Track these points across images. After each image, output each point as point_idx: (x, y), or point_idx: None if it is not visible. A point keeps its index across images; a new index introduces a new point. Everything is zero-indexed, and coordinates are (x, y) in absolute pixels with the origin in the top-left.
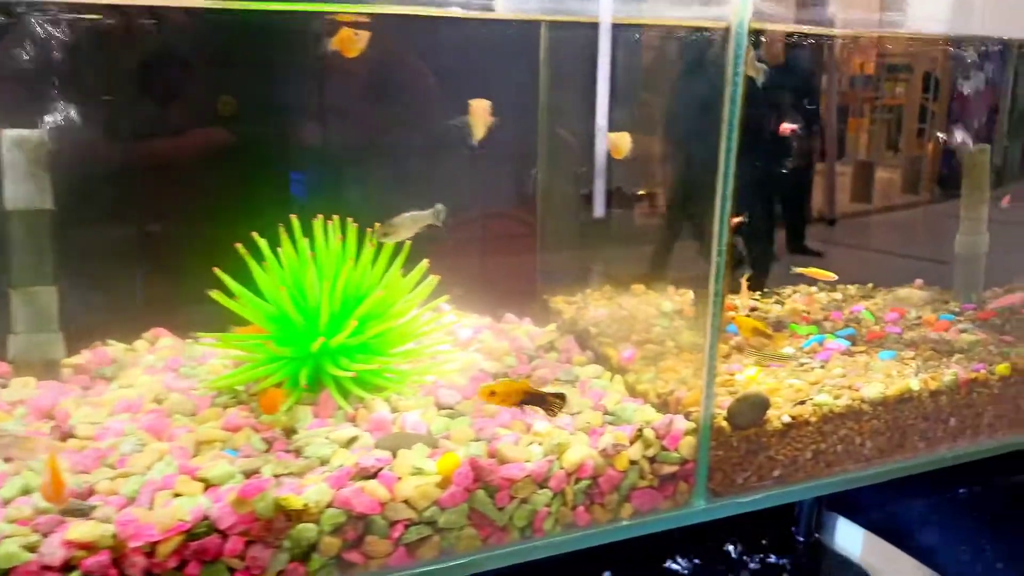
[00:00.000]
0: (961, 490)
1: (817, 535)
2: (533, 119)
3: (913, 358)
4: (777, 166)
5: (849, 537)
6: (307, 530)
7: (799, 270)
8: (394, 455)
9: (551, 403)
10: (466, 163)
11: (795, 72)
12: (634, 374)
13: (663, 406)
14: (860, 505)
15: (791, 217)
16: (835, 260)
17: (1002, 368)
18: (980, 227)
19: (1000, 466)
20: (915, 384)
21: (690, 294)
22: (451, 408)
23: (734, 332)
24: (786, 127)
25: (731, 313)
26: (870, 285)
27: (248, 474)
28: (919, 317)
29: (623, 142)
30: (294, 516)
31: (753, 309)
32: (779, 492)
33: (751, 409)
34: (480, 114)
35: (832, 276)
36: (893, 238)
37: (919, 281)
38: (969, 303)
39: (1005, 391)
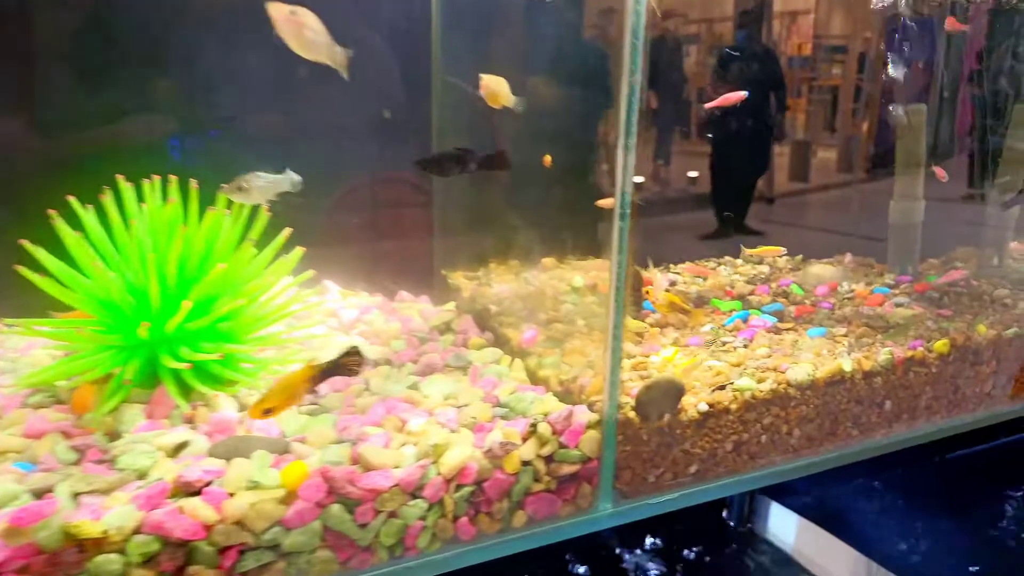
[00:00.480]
0: (899, 470)
1: (750, 524)
2: (427, 75)
3: (845, 335)
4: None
5: (782, 524)
6: (109, 562)
7: (750, 252)
8: (231, 464)
9: (346, 365)
10: (355, 125)
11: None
12: (536, 358)
13: (566, 395)
14: (795, 490)
15: (733, 196)
16: (773, 239)
17: (940, 345)
18: (915, 192)
19: (937, 444)
20: (847, 365)
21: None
22: (315, 404)
23: (650, 309)
24: (731, 97)
25: (646, 288)
26: (799, 257)
27: (39, 494)
28: (852, 290)
29: (500, 88)
30: (90, 546)
31: (672, 283)
32: (696, 490)
33: (663, 397)
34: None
35: (781, 250)
36: (829, 216)
37: (848, 256)
38: (904, 275)
39: (944, 370)
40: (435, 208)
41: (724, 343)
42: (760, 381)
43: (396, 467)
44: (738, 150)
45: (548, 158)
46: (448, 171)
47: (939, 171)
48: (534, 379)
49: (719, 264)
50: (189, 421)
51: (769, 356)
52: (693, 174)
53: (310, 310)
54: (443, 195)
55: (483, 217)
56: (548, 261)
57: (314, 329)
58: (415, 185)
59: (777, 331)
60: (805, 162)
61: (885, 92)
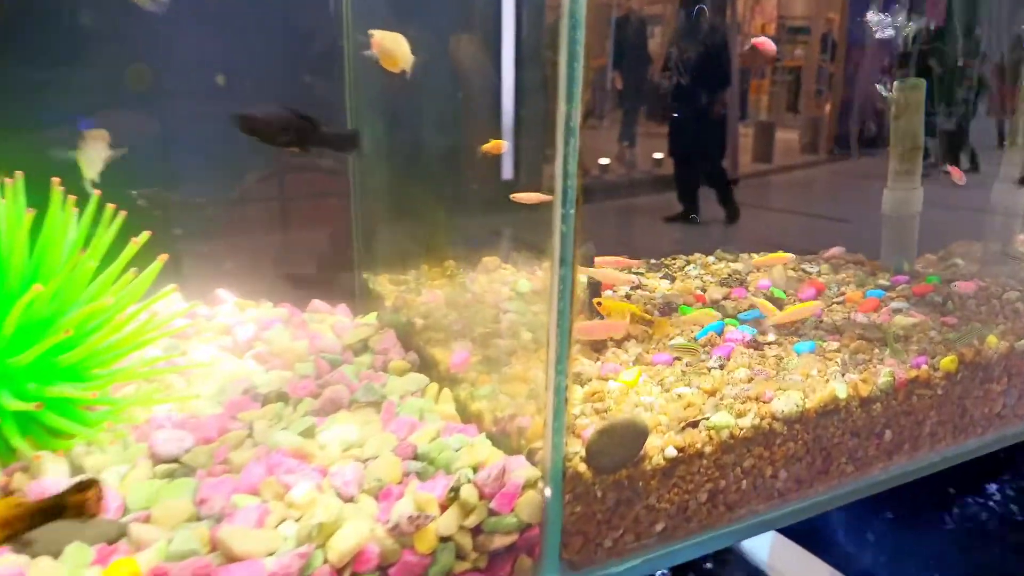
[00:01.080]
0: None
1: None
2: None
3: (838, 351)
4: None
5: (757, 539)
6: None
7: (757, 260)
8: (33, 566)
9: (75, 505)
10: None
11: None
12: (468, 386)
13: (502, 437)
14: None
15: (693, 178)
16: (741, 221)
17: (948, 362)
18: (913, 180)
19: None
20: (842, 391)
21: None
22: (175, 461)
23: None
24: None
25: (607, 294)
26: (780, 254)
27: None
28: (842, 293)
29: (396, 47)
30: None
31: (636, 287)
32: (663, 553)
33: (621, 443)
34: None
35: (788, 257)
36: (795, 198)
37: (837, 249)
38: (901, 274)
39: (951, 391)
40: (354, 199)
41: (694, 362)
42: (740, 415)
43: (269, 555)
44: (690, 131)
45: (498, 144)
46: (272, 138)
47: (955, 171)
48: (465, 414)
49: (688, 262)
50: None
51: (750, 380)
52: (658, 155)
53: (176, 330)
54: (364, 183)
55: (412, 209)
56: (490, 261)
57: (202, 352)
58: (330, 172)
59: (757, 345)
60: (769, 143)
61: (851, 72)
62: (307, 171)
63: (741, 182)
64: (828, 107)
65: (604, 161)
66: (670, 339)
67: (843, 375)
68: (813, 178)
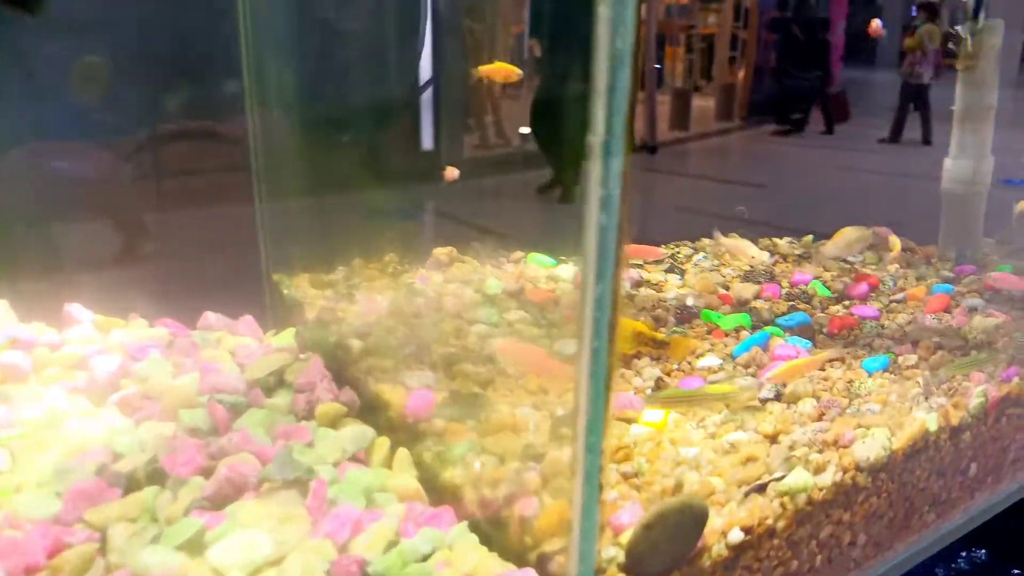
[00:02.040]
0: None
1: None
2: None
3: (915, 366)
4: None
5: None
6: None
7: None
8: None
9: None
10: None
11: None
12: (435, 442)
13: (494, 527)
14: None
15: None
16: (661, 187)
17: None
18: (982, 147)
19: None
20: (933, 421)
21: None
22: None
23: None
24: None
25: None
26: (808, 237)
27: None
28: (901, 289)
29: None
30: None
31: (638, 284)
32: None
33: (674, 536)
34: None
35: (754, 258)
36: (721, 164)
37: (883, 230)
38: (964, 263)
39: None
40: (256, 172)
41: (733, 388)
42: (819, 470)
43: None
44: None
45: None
46: None
47: None
48: (433, 488)
49: (695, 250)
50: None
51: (821, 417)
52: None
53: None
54: (270, 152)
55: (338, 184)
56: (442, 253)
57: (39, 402)
58: (226, 139)
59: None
60: (685, 110)
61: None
62: (192, 139)
63: (660, 150)
64: (741, 74)
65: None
66: (699, 357)
67: (926, 398)
68: (728, 144)
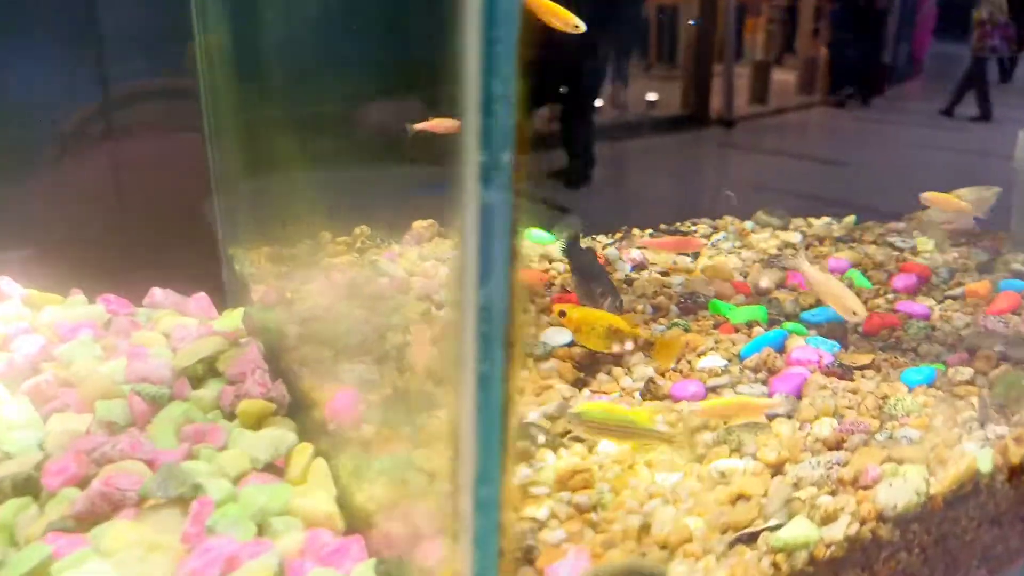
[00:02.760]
0: None
1: None
2: None
3: (971, 381)
4: None
5: None
6: None
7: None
8: None
9: None
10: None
11: None
12: (357, 454)
13: (407, 569)
14: None
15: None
16: (736, 166)
17: None
18: None
19: None
20: (986, 461)
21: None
22: None
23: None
24: None
25: (559, 307)
26: (850, 219)
27: None
28: (958, 283)
29: None
30: None
31: (640, 266)
32: None
33: None
34: None
35: (964, 207)
36: (800, 141)
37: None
38: None
39: None
40: (209, 133)
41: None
42: (827, 519)
43: None
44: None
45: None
46: None
47: None
48: (350, 513)
49: (714, 230)
50: None
51: (841, 444)
52: (652, 97)
53: None
54: (218, 111)
55: (299, 146)
56: (423, 227)
57: None
58: (180, 96)
59: (843, 372)
60: (764, 84)
61: None
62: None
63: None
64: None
65: (652, 97)
66: (701, 356)
67: (982, 426)
68: (809, 120)
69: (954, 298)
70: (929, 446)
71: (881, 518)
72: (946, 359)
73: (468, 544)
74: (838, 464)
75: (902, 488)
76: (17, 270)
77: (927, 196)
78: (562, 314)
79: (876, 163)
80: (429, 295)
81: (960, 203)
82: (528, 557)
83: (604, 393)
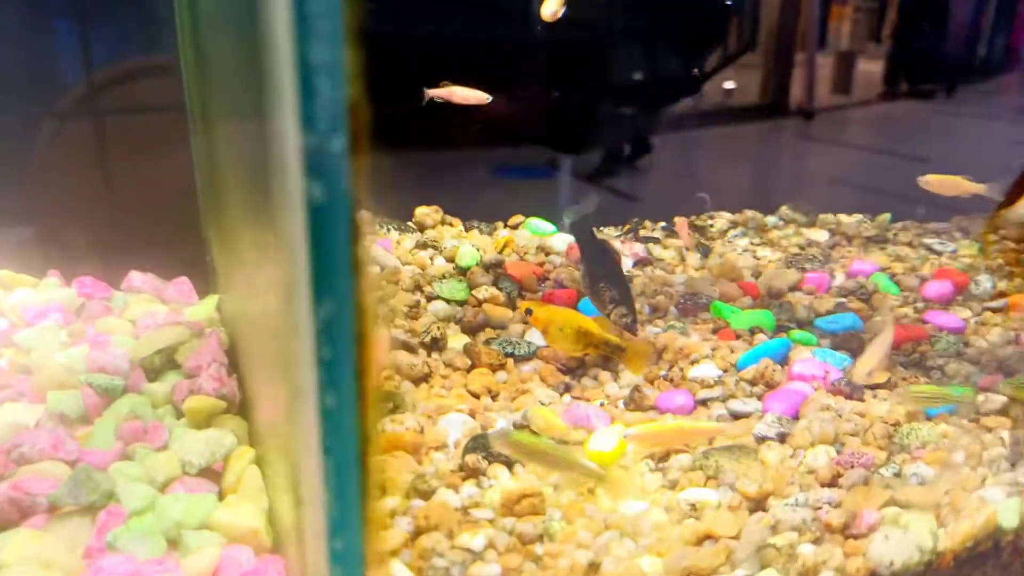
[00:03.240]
0: None
1: None
2: None
3: (1004, 411)
4: None
5: None
6: None
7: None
8: None
9: None
10: None
11: None
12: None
13: None
14: None
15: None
16: (811, 160)
17: None
18: None
19: None
20: (1011, 510)
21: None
22: None
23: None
24: None
25: (527, 306)
26: (884, 216)
27: None
28: (1001, 294)
29: None
30: None
31: (644, 262)
32: None
33: None
34: None
35: (975, 188)
36: (882, 135)
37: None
38: None
39: None
40: (191, 108)
41: (719, 416)
42: (806, 575)
43: None
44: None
45: None
46: None
47: None
48: (277, 523)
49: (733, 224)
50: None
51: (836, 480)
52: (730, 85)
53: None
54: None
55: None
56: (426, 214)
57: None
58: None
59: (850, 391)
60: (848, 74)
61: None
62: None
63: (817, 116)
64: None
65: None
66: (694, 363)
67: (1012, 466)
68: (896, 113)
69: (995, 310)
70: (944, 488)
71: None
72: (977, 382)
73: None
74: (829, 504)
75: (901, 541)
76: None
77: (927, 179)
78: (528, 312)
79: (961, 160)
80: (421, 287)
81: (968, 184)
82: None
83: (587, 400)
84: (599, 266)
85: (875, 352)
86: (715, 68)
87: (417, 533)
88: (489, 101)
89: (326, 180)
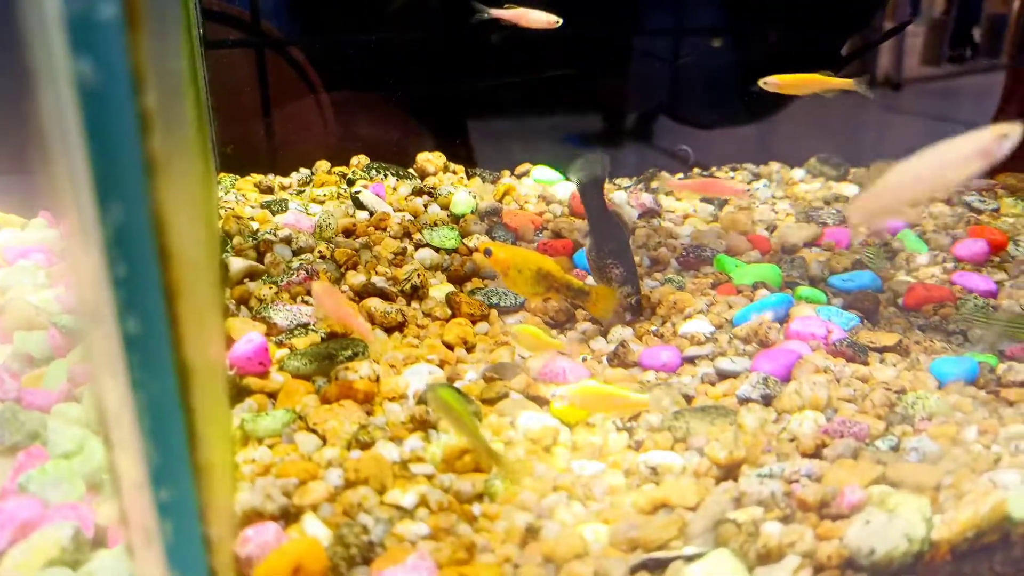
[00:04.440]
0: None
1: None
2: None
3: None
4: None
5: None
6: None
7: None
8: None
9: None
10: None
11: None
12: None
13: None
14: None
15: None
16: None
17: None
18: None
19: None
20: (1022, 504)
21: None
22: None
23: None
24: None
25: (483, 245)
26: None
27: None
28: None
29: None
30: None
31: (649, 213)
32: None
33: None
34: None
35: (841, 83)
36: (970, 106)
37: None
38: None
39: None
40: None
41: (706, 375)
42: (765, 558)
43: None
44: None
45: None
46: None
47: None
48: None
49: (756, 176)
50: None
51: (820, 450)
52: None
53: None
54: None
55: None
56: (428, 160)
57: None
58: None
59: (853, 353)
60: (939, 44)
61: None
62: None
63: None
64: (1017, 4)
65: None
66: (685, 315)
67: None
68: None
69: None
70: (947, 468)
71: (849, 566)
72: (1005, 348)
73: (160, 560)
74: (808, 477)
75: (886, 527)
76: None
77: (775, 80)
78: (487, 253)
79: None
80: (410, 234)
81: (832, 80)
82: (365, 556)
83: (569, 359)
84: (608, 240)
85: (881, 191)
86: (878, 40)
87: (347, 486)
88: (558, 24)
89: (97, 56)
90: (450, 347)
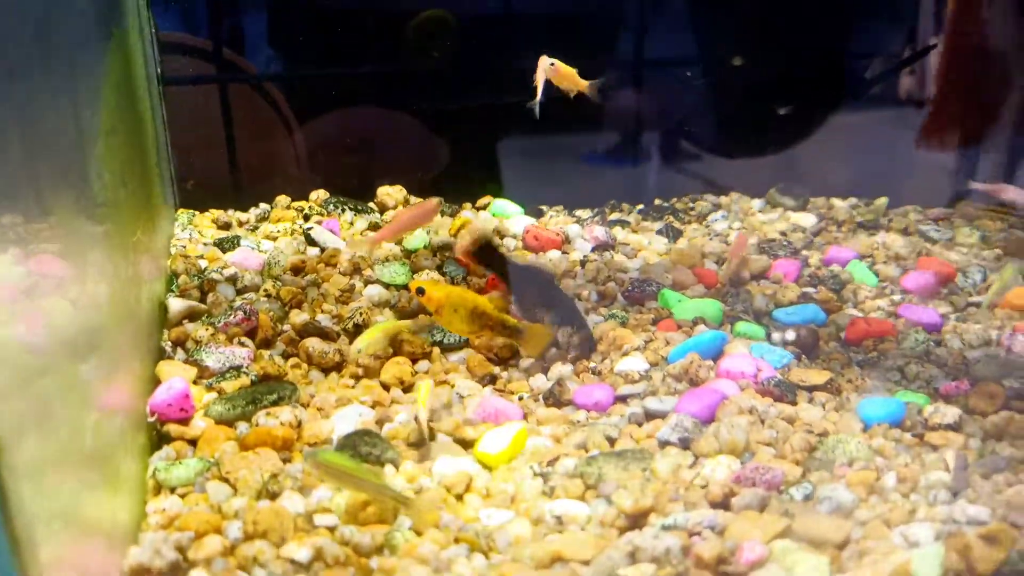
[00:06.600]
0: None
1: None
2: None
3: (957, 427)
4: None
5: None
6: None
7: None
8: None
9: None
10: None
11: None
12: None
13: None
14: None
15: None
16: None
17: None
18: None
19: None
20: (930, 560)
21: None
22: None
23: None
24: None
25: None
26: (882, 201)
27: None
28: (988, 286)
29: None
30: None
31: (603, 246)
32: None
33: None
34: None
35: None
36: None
37: (1006, 188)
38: None
39: None
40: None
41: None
42: None
43: None
44: None
45: None
46: None
47: None
48: None
49: (716, 207)
50: None
51: (727, 500)
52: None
53: None
54: None
55: None
56: (387, 194)
57: None
58: None
59: (782, 393)
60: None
61: None
62: None
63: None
64: None
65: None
66: (623, 352)
67: (954, 496)
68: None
69: (978, 306)
70: (859, 519)
71: None
72: (939, 387)
73: None
74: (710, 529)
75: None
76: None
77: (554, 64)
78: (420, 292)
79: None
80: (360, 270)
81: (580, 80)
82: None
83: (511, 392)
84: (527, 289)
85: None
86: (902, 63)
87: (245, 539)
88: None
89: None
90: (386, 387)
